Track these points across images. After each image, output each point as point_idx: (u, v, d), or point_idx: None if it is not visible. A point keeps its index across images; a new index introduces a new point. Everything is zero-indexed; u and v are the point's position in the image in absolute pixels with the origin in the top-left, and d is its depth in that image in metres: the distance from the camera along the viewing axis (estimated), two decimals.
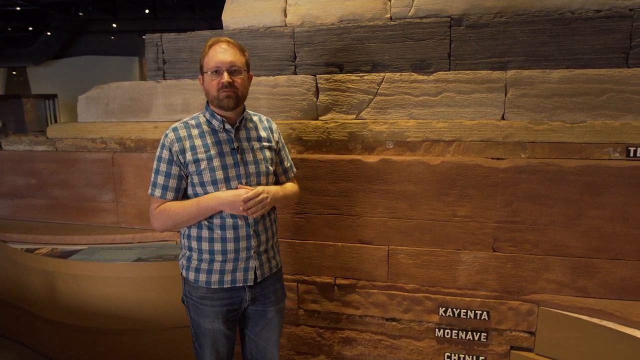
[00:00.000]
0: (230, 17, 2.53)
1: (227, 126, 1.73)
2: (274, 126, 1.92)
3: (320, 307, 2.56)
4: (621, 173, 2.09)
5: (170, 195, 1.72)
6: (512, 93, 2.21)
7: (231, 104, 1.69)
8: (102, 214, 2.84)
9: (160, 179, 1.71)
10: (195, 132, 1.73)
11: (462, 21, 2.22)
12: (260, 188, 1.68)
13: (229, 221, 1.71)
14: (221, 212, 1.70)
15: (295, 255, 2.52)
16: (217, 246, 1.72)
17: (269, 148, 1.85)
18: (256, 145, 1.80)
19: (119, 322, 2.48)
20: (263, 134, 1.84)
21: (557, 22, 2.12)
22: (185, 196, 1.76)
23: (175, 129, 1.73)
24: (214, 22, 14.25)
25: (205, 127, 1.74)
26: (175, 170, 1.71)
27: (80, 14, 12.03)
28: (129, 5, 12.12)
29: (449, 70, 2.27)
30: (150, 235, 2.72)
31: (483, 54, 2.22)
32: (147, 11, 11.80)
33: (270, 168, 1.83)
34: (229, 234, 1.72)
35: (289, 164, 1.98)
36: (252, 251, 1.76)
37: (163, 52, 2.63)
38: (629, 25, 2.06)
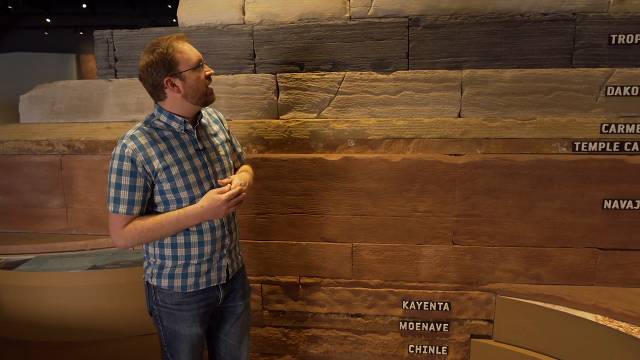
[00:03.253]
0: (187, 13, 2.46)
1: (189, 127, 1.66)
2: (220, 115, 1.88)
3: (285, 307, 2.55)
4: (568, 166, 2.23)
5: (136, 209, 1.59)
6: (468, 91, 2.29)
7: (214, 97, 1.68)
8: (50, 220, 2.68)
9: (124, 194, 1.55)
10: (156, 137, 1.60)
11: (420, 22, 2.28)
12: (236, 181, 1.65)
13: (205, 224, 1.67)
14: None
15: (258, 256, 2.50)
16: (194, 250, 1.67)
17: (226, 141, 1.83)
18: (216, 141, 1.75)
19: (76, 334, 2.35)
20: (216, 127, 1.80)
21: (508, 24, 2.22)
22: (151, 203, 1.65)
23: (133, 137, 1.56)
24: (156, 18, 13.81)
25: (166, 132, 1.63)
26: (140, 182, 1.57)
27: (10, 7, 11.28)
28: None
29: (408, 70, 2.33)
30: (105, 242, 2.60)
31: (440, 53, 2.29)
32: (84, 6, 11.24)
33: (231, 161, 1.83)
34: (207, 237, 1.68)
35: (240, 149, 1.97)
36: (225, 250, 1.74)
37: (114, 50, 2.51)
38: (572, 28, 2.20)
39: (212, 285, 1.74)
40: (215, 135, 1.77)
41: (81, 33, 12.65)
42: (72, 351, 2.41)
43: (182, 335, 1.71)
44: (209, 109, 1.85)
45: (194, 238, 1.65)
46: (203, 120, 1.76)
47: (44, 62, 12.46)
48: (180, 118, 1.64)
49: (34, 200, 2.66)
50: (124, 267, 2.36)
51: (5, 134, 2.65)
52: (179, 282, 1.69)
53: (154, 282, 1.71)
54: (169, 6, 11.15)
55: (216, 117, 1.84)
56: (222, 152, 1.75)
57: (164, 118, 1.64)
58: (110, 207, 1.58)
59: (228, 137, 1.86)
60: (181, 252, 1.66)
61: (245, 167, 1.95)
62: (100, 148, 2.55)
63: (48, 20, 12.12)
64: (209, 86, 1.66)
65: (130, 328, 2.39)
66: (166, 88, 1.58)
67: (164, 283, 1.70)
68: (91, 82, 2.56)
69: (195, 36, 2.43)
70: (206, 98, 1.64)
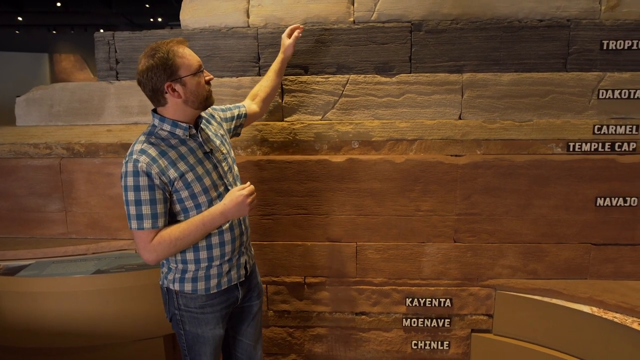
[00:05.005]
0: (190, 16, 2.46)
1: (193, 132, 1.66)
2: (209, 111, 1.86)
3: (290, 306, 2.58)
4: (563, 166, 2.33)
5: (161, 222, 1.57)
6: (468, 94, 2.37)
7: (214, 99, 1.70)
8: (49, 224, 2.63)
9: (146, 209, 1.53)
10: (164, 146, 1.60)
11: (422, 27, 2.34)
12: (247, 184, 1.69)
13: (225, 224, 1.69)
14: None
15: (263, 257, 2.52)
16: (216, 251, 1.69)
17: (226, 135, 1.88)
18: (217, 141, 1.77)
19: (79, 340, 2.32)
20: (214, 125, 1.83)
21: (507, 29, 2.31)
22: (170, 213, 1.65)
23: (143, 151, 1.54)
24: (133, 18, 13.58)
25: (172, 140, 1.63)
26: (159, 194, 1.56)
27: None
28: None
29: (410, 73, 2.39)
30: (107, 245, 2.57)
31: (441, 57, 2.37)
32: (58, 4, 10.95)
33: (234, 156, 1.87)
34: (227, 236, 1.70)
35: (237, 109, 2.03)
36: (243, 247, 1.78)
37: (116, 51, 2.49)
38: (567, 34, 2.31)
39: (232, 284, 1.76)
40: (215, 134, 1.79)
41: (54, 32, 12.32)
42: (75, 356, 2.38)
43: (205, 337, 1.72)
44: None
45: (215, 239, 1.67)
46: (204, 120, 1.78)
47: (15, 61, 12.07)
48: (183, 124, 1.63)
49: (31, 204, 2.61)
50: (130, 271, 2.35)
51: (0, 137, 2.59)
52: (202, 285, 1.70)
53: (176, 287, 1.70)
54: (147, 5, 10.98)
55: (207, 116, 1.83)
56: (224, 150, 1.78)
57: (167, 127, 1.62)
58: (134, 225, 1.55)
59: (228, 127, 1.92)
60: (203, 254, 1.67)
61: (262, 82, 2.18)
62: (101, 151, 2.53)
63: (20, 18, 11.74)
64: (209, 89, 1.67)
65: (135, 332, 2.38)
66: (166, 93, 1.57)
67: (188, 287, 1.70)
68: (91, 84, 2.53)
69: (199, 39, 2.44)
70: (206, 102, 1.66)
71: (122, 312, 2.34)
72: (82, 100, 2.54)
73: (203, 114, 1.78)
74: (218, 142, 1.77)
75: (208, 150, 1.69)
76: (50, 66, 12.69)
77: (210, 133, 1.76)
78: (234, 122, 1.98)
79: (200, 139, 1.69)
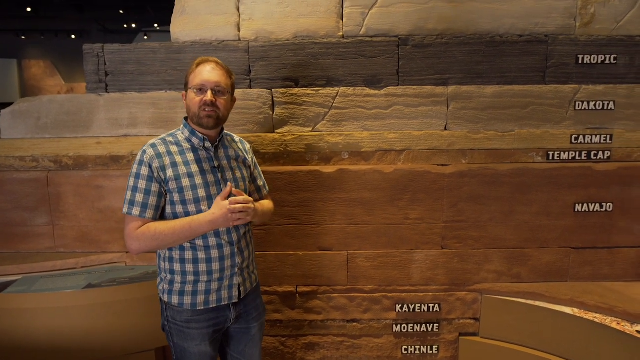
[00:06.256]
0: (181, 29, 2.47)
1: (208, 144, 1.72)
2: (247, 146, 1.95)
3: (283, 316, 2.61)
4: (543, 174, 2.45)
5: (149, 213, 1.65)
6: (453, 106, 2.47)
7: (211, 123, 1.70)
8: (35, 239, 2.58)
9: (139, 197, 1.63)
10: (174, 149, 1.69)
11: (409, 41, 2.43)
12: (247, 198, 1.69)
13: (212, 241, 1.70)
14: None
15: None
16: (202, 267, 1.70)
17: (246, 166, 1.87)
18: (234, 164, 1.81)
19: (69, 356, 2.28)
20: (239, 152, 1.86)
21: (489, 44, 2.42)
22: (162, 216, 1.71)
23: (153, 145, 1.68)
24: (106, 24, 13.36)
25: (185, 145, 1.72)
26: (155, 187, 1.64)
27: None
28: (5, 1, 10.88)
29: (398, 86, 2.47)
30: (96, 259, 2.55)
31: (427, 71, 2.45)
32: (28, 9, 10.68)
33: (247, 186, 1.86)
34: (214, 253, 1.71)
35: (262, 182, 2.01)
36: (237, 268, 1.77)
37: (105, 64, 2.48)
38: (545, 48, 2.43)
39: (222, 303, 1.75)
40: (236, 158, 1.82)
41: (23, 37, 12.00)
42: None
43: (191, 353, 1.73)
44: (237, 137, 1.92)
45: (201, 254, 1.69)
46: (227, 143, 1.82)
47: None
48: (200, 135, 1.71)
49: (16, 218, 2.56)
50: (121, 284, 2.33)
51: None
52: (188, 300, 1.71)
53: (165, 298, 1.74)
54: (121, 11, 10.82)
55: (241, 147, 1.90)
56: (238, 175, 1.80)
57: (186, 133, 1.73)
58: (125, 209, 1.64)
59: (251, 166, 1.91)
60: (189, 267, 1.69)
61: (264, 201, 1.98)
62: (90, 163, 2.51)
63: None
64: (208, 111, 1.67)
65: (126, 346, 2.35)
66: (184, 100, 1.74)
67: (175, 300, 1.72)
68: (80, 96, 2.51)
69: (189, 52, 2.46)
70: (199, 120, 1.69)
71: (114, 326, 2.32)
72: (70, 112, 2.52)
73: (243, 144, 1.91)
74: (235, 165, 1.80)
75: (216, 165, 1.73)
76: (19, 72, 12.34)
77: (232, 155, 1.80)
78: (249, 174, 1.95)
79: (213, 154, 1.73)
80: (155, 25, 12.78)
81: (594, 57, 2.43)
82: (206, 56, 1.72)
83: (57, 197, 2.54)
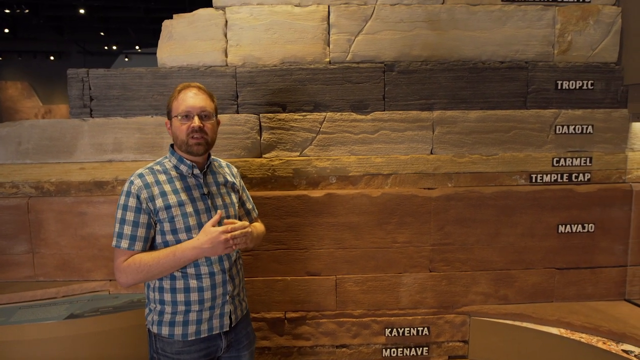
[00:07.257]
0: (168, 55, 2.47)
1: (196, 171, 1.71)
2: (235, 170, 1.94)
3: (271, 342, 2.56)
4: (527, 196, 2.50)
5: (138, 245, 1.61)
6: (439, 130, 2.51)
7: (201, 150, 1.68)
8: (14, 267, 2.50)
9: (127, 229, 1.60)
10: (162, 177, 1.67)
11: (394, 67, 2.48)
12: (240, 223, 1.67)
13: (204, 269, 1.67)
14: (196, 260, 1.66)
15: None
16: (194, 296, 1.67)
17: (234, 191, 1.86)
18: (223, 189, 1.80)
19: None
20: (227, 177, 1.85)
21: (472, 70, 2.48)
22: (152, 246, 1.68)
23: (141, 175, 1.64)
24: (86, 45, 13.27)
25: (173, 173, 1.69)
26: (144, 218, 1.61)
27: None
28: None
29: (384, 111, 2.51)
30: (78, 287, 2.48)
31: (413, 96, 2.50)
32: (6, 30, 10.55)
33: (237, 211, 1.85)
34: (205, 282, 1.68)
35: (251, 205, 2.00)
36: (228, 296, 1.74)
37: (90, 89, 2.45)
38: (525, 74, 2.51)
39: (214, 333, 1.72)
40: (225, 183, 1.80)
41: (0, 58, 11.81)
42: None
43: None
44: (223, 162, 1.91)
45: (192, 283, 1.66)
46: (214, 168, 1.80)
47: None
48: (188, 162, 1.68)
49: None
50: (105, 314, 2.27)
51: None
52: (179, 330, 1.67)
53: (154, 329, 1.69)
54: (102, 33, 10.77)
55: (228, 171, 1.88)
56: (227, 200, 1.78)
57: (174, 160, 1.70)
58: (114, 242, 1.61)
59: (239, 190, 1.89)
60: (180, 297, 1.65)
61: (255, 224, 1.95)
62: (73, 189, 2.46)
63: None
64: (197, 138, 1.65)
65: None
66: (168, 128, 1.72)
67: (165, 331, 1.67)
68: (63, 121, 2.47)
69: (176, 77, 2.45)
70: (187, 148, 1.67)
71: (98, 359, 2.25)
72: (53, 137, 2.47)
73: (230, 168, 1.89)
74: (224, 190, 1.79)
75: (206, 192, 1.71)
76: None
77: (220, 180, 1.78)
78: (238, 199, 1.93)
79: (202, 180, 1.71)
80: (137, 47, 12.74)
81: (572, 83, 2.51)
82: (186, 82, 1.71)
83: (38, 224, 2.47)
